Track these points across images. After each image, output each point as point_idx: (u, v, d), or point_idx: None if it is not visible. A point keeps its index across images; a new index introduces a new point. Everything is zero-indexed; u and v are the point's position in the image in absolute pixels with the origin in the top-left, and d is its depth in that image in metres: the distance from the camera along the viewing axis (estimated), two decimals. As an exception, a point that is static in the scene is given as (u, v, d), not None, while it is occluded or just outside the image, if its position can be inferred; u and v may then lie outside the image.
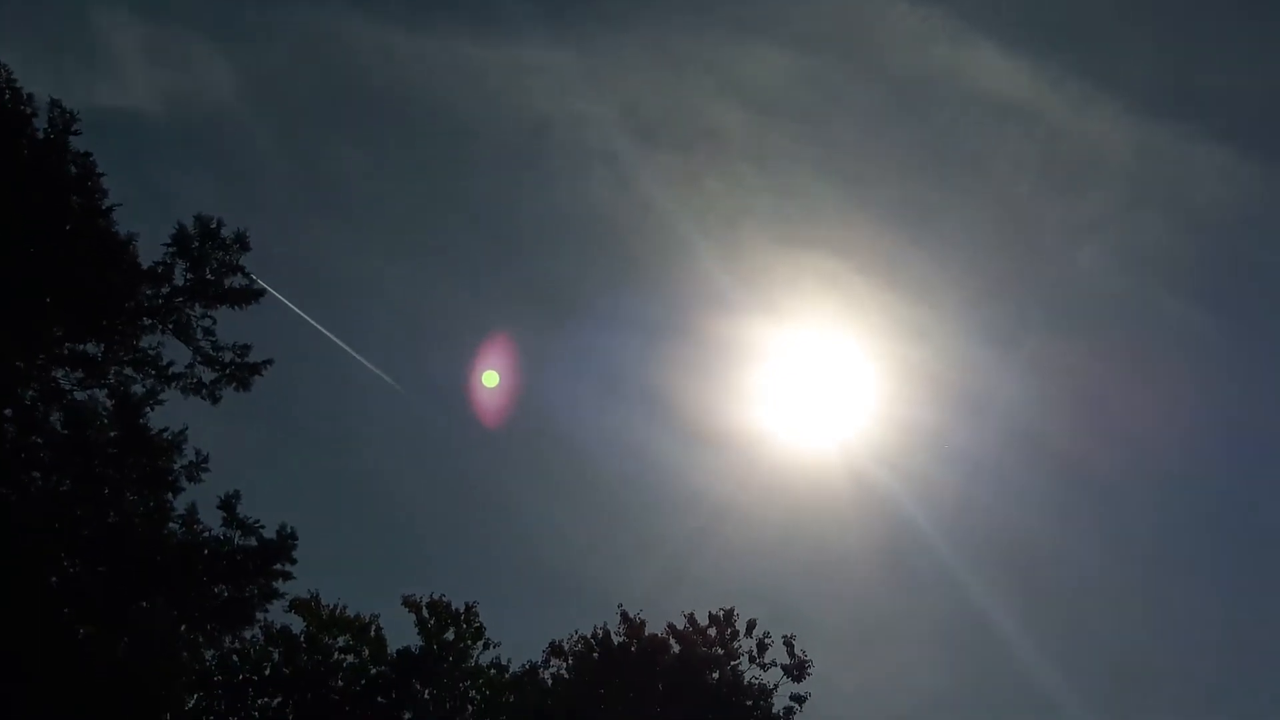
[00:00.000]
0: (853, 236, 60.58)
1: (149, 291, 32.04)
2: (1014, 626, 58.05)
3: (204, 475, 32.83)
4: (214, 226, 32.17)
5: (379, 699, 42.06)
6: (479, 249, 61.90)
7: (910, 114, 65.02)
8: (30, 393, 31.51)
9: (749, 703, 47.52)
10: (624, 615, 47.94)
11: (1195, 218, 65.03)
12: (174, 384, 32.40)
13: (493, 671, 44.91)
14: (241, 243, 32.35)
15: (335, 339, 39.24)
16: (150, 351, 32.26)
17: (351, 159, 60.67)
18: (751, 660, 48.38)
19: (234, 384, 32.63)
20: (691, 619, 48.68)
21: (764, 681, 47.72)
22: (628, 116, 60.63)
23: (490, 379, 54.20)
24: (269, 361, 32.91)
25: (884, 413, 58.61)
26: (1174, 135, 63.93)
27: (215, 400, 32.60)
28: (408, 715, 42.41)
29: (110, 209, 31.36)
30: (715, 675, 47.79)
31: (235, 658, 40.62)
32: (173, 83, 55.64)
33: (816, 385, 58.12)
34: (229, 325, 32.75)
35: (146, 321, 32.14)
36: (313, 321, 37.10)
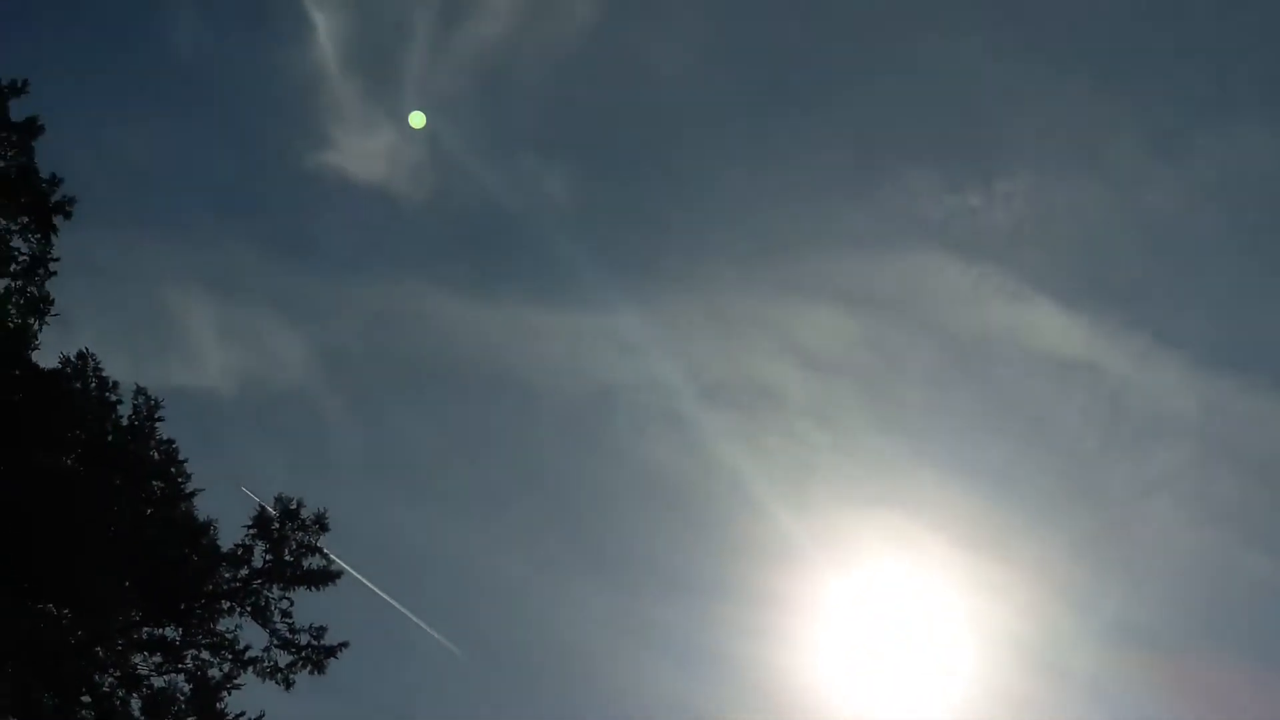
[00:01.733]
0: (920, 493, 58.72)
1: (228, 574, 31.62)
2: None
3: (280, 761, 31.85)
4: (294, 507, 31.77)
5: None
6: (545, 514, 62.21)
7: (971, 371, 64.07)
8: (109, 679, 31.19)
9: None
10: None
11: (1269, 470, 61.53)
12: (250, 668, 31.67)
13: None
14: (321, 523, 31.83)
15: (405, 610, 38.40)
16: (228, 635, 31.72)
17: (419, 428, 62.32)
18: None
19: (309, 668, 31.73)
20: None
21: None
22: (689, 378, 60.90)
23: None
24: (344, 644, 32.04)
25: (967, 672, 55.13)
26: (1238, 387, 61.30)
27: (289, 685, 31.75)
28: None
29: (193, 494, 31.27)
30: None
31: None
32: (246, 360, 57.56)
33: (892, 644, 55.25)
34: (303, 604, 32.12)
35: (225, 605, 31.67)
36: (384, 594, 36.35)
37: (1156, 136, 63.60)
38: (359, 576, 34.08)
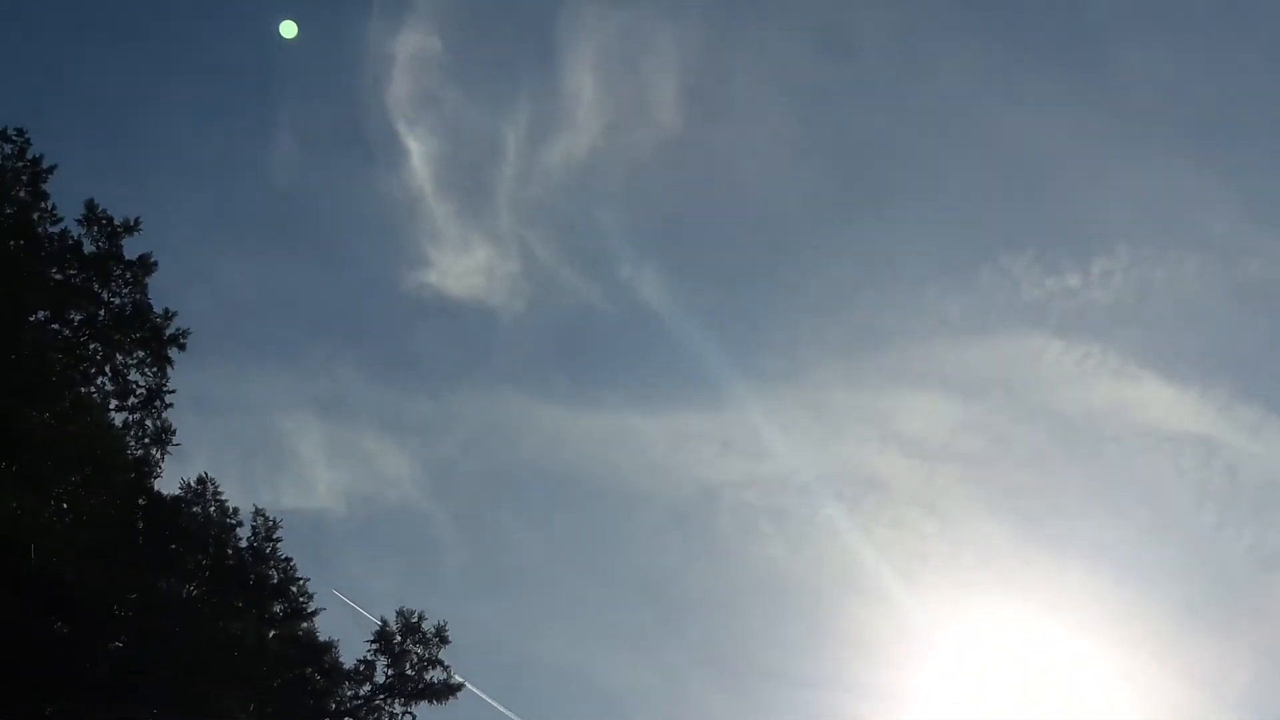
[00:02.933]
0: (1035, 578, 57.62)
1: (350, 692, 31.59)
2: None
3: None
4: (415, 621, 31.86)
5: None
6: (655, 617, 61.97)
7: (1079, 450, 63.21)
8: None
9: None
10: None
11: None
12: (375, 786, 31.42)
13: None
14: (441, 636, 31.95)
15: (519, 720, 38.11)
16: (352, 753, 31.52)
17: (524, 538, 62.73)
18: None
19: (432, 783, 31.41)
20: None
21: None
22: (794, 472, 60.77)
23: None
24: (465, 759, 31.70)
25: None
26: None
27: (414, 801, 31.39)
28: None
29: (314, 613, 31.51)
30: None
31: None
32: (353, 480, 58.59)
33: None
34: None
35: (348, 722, 31.57)
36: (502, 708, 36.09)
37: (1253, 203, 63.31)
38: (477, 691, 33.95)
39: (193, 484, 31.12)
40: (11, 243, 29.39)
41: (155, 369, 31.99)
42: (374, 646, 31.84)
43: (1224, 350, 64.93)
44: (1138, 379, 59.97)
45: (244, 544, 31.16)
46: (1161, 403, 59.07)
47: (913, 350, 62.83)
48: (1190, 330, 63.73)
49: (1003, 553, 59.71)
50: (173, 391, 31.94)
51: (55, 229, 30.15)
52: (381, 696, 31.72)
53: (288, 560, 31.26)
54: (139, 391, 31.92)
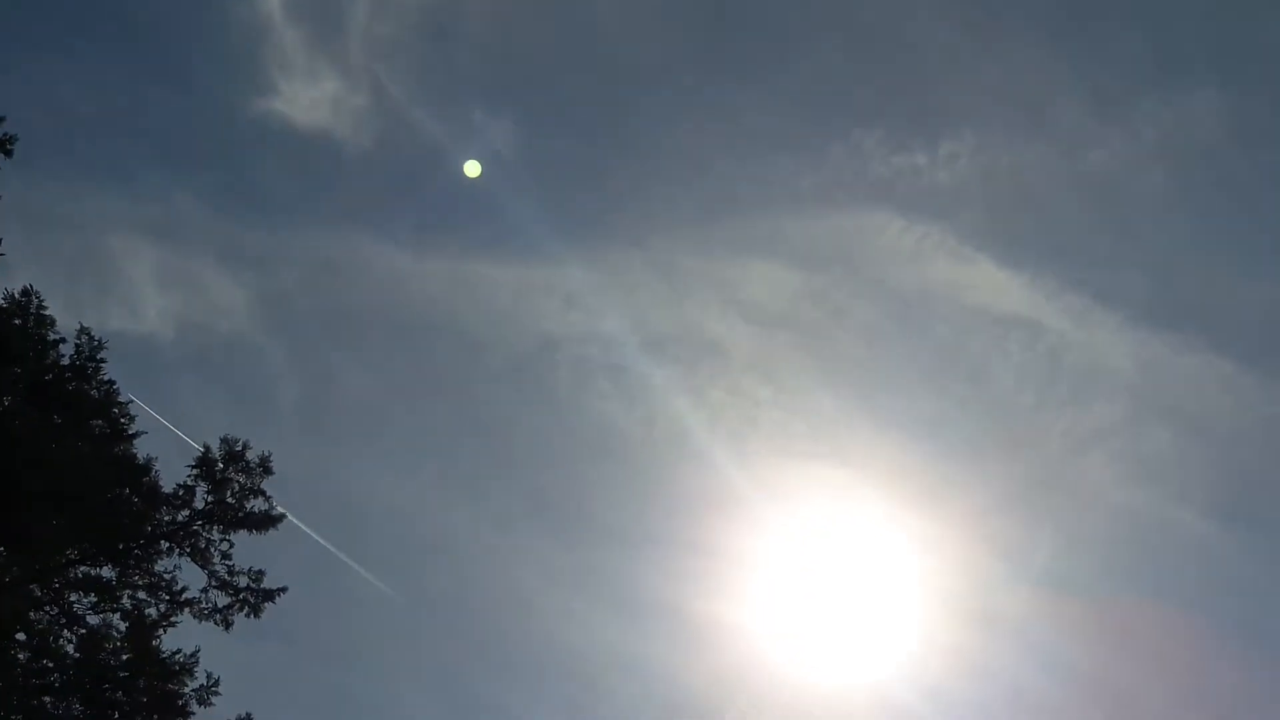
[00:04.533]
0: (860, 448, 60.30)
1: (168, 515, 31.63)
2: None
3: (214, 699, 32.08)
4: (239, 449, 31.81)
5: None
6: (487, 464, 62.58)
7: (912, 328, 65.51)
8: (44, 616, 31.14)
9: None
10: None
11: (1200, 428, 64.26)
12: (187, 609, 31.81)
13: None
14: (265, 467, 31.93)
15: (343, 556, 38.64)
16: (165, 575, 31.76)
17: (359, 379, 62.21)
18: None
19: (246, 610, 31.94)
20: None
21: None
22: (634, 332, 61.44)
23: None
24: (283, 589, 32.27)
25: (897, 624, 57.15)
26: (1174, 346, 63.72)
27: (228, 626, 31.96)
28: None
29: (134, 435, 31.24)
30: None
31: None
32: (185, 307, 57.14)
33: (826, 595, 56.99)
34: (242, 547, 32.29)
35: (164, 545, 31.68)
36: (323, 541, 36.57)
37: (1100, 98, 64.84)
38: (299, 523, 34.37)
39: (16, 295, 30.16)
40: None
41: (-23, 169, 30.61)
42: (195, 472, 31.68)
43: (1058, 239, 67.40)
44: (972, 261, 62.26)
45: (65, 361, 30.51)
46: (993, 285, 61.62)
47: (761, 220, 63.82)
48: (1028, 217, 66.33)
49: (832, 423, 62.25)
50: (-1, 197, 30.72)
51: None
52: (200, 522, 31.79)
53: (110, 382, 30.76)
54: (-42, 191, 30.57)
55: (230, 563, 32.02)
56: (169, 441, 33.79)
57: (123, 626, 31.65)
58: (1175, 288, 66.63)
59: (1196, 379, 63.45)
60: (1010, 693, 56.56)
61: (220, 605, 32.00)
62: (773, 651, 55.57)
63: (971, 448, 64.16)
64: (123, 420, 31.10)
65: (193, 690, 31.84)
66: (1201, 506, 62.91)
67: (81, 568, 31.47)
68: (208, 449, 31.78)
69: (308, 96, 57.59)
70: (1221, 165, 65.02)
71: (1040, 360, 64.07)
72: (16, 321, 30.26)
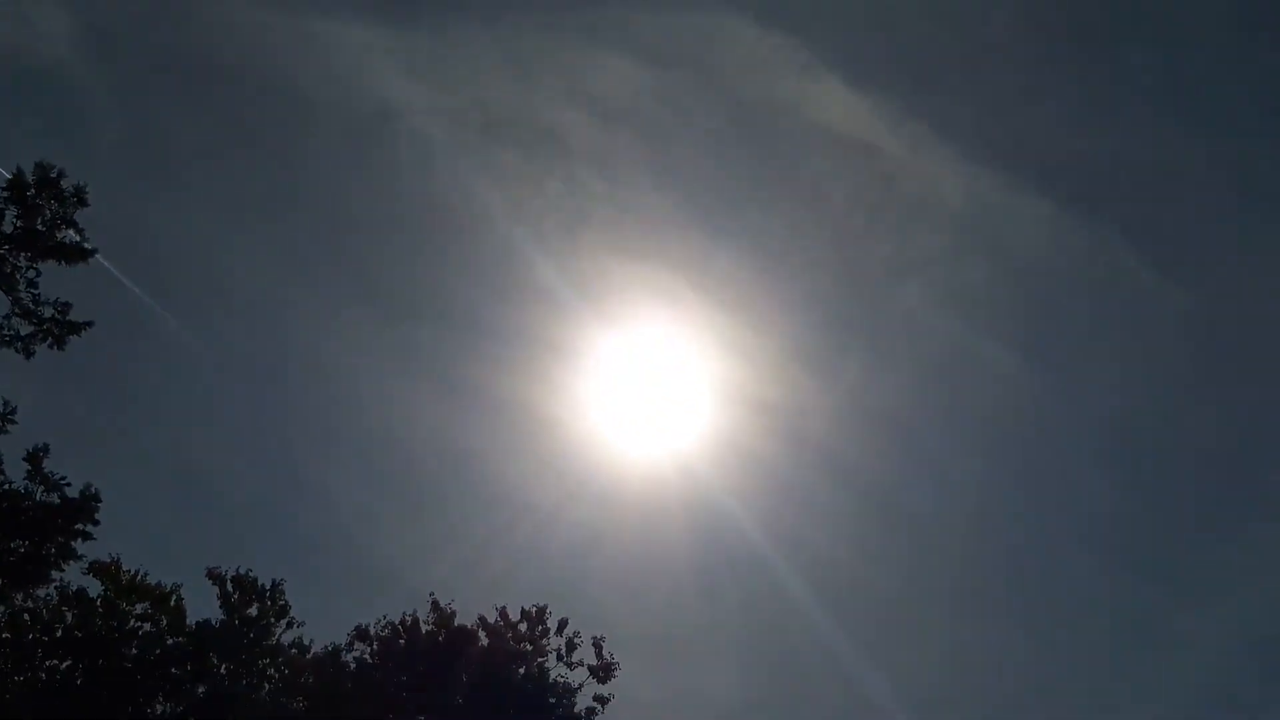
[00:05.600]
0: (688, 253, 62.36)
1: (-28, 236, 30.89)
2: (828, 640, 60.52)
3: (11, 427, 31.90)
4: (54, 176, 31.16)
5: (173, 669, 41.25)
6: (313, 233, 61.16)
7: (753, 138, 67.38)
8: None
9: (552, 700, 48.07)
10: (434, 604, 47.97)
11: (1016, 265, 69.33)
12: (-11, 333, 31.32)
13: (294, 651, 44.52)
14: (80, 198, 31.41)
15: (158, 307, 38.29)
16: (-35, 296, 31.11)
17: (187, 127, 59.34)
18: (559, 659, 48.91)
19: (50, 341, 31.67)
20: (504, 613, 48.98)
21: (570, 680, 48.47)
22: (473, 110, 60.90)
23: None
24: (89, 324, 32.06)
25: (706, 428, 60.38)
26: (1001, 185, 68.11)
27: (29, 355, 31.62)
28: (202, 688, 41.73)
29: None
30: (521, 670, 48.27)
31: (26, 616, 39.30)
32: (6, 29, 53.26)
33: (643, 395, 59.57)
34: (51, 280, 31.87)
35: (-34, 266, 30.98)
36: (135, 288, 36.22)
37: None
38: (108, 264, 34.02)
39: None
40: None
41: None
42: (4, 195, 30.97)
43: (906, 66, 69.74)
44: (822, 79, 64.05)
45: None
46: (839, 105, 63.70)
47: (614, 11, 63.72)
48: (880, 40, 68.30)
49: (665, 225, 63.54)
50: None
51: None
52: (7, 247, 31.14)
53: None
54: None
55: (36, 291, 31.63)
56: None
57: (-84, 346, 30.91)
58: (1011, 128, 70.13)
59: (1018, 217, 67.57)
60: (786, 488, 60.17)
61: (23, 333, 31.62)
62: (584, 436, 57.67)
63: (798, 264, 66.28)
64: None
65: (-13, 413, 31.61)
66: (1007, 339, 67.49)
67: (-126, 280, 30.46)
68: (20, 172, 31.06)
69: None
70: (1079, 12, 68.13)
71: (875, 185, 66.30)
72: None
